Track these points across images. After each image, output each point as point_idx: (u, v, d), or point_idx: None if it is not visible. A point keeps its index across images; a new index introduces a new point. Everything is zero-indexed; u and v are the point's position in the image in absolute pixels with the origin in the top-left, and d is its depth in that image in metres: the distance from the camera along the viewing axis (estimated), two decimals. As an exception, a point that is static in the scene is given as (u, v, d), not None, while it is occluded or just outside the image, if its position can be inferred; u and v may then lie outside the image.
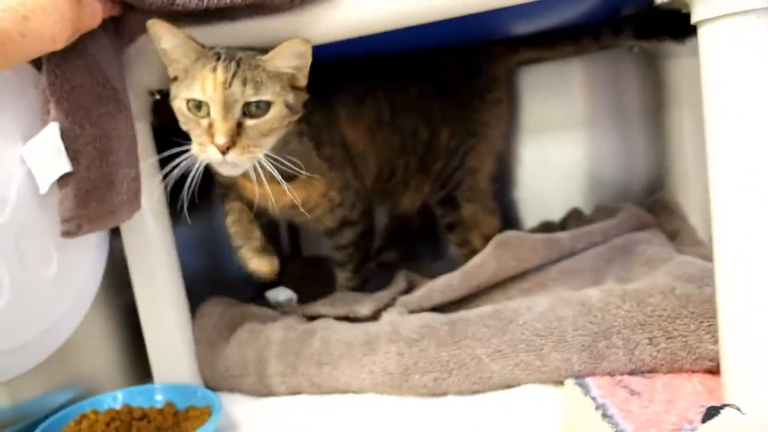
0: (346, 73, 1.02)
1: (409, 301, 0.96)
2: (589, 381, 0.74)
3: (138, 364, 0.97)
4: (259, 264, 0.95)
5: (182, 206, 0.80)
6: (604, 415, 0.66)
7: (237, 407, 0.89)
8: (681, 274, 0.79)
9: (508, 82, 1.19)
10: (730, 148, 0.61)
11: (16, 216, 0.75)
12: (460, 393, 0.81)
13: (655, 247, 0.94)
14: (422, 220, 1.29)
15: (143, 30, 0.78)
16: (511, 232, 0.96)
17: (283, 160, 0.79)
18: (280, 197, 0.85)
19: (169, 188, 0.81)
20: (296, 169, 0.81)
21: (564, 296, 0.82)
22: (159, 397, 0.88)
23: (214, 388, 0.92)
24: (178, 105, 0.78)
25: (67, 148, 0.73)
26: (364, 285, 1.10)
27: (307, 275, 1.23)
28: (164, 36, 0.75)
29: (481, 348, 0.80)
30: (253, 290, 1.12)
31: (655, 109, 1.25)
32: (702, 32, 0.63)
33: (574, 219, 1.22)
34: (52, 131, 0.73)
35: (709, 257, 0.82)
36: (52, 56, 0.71)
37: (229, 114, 0.74)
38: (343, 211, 1.00)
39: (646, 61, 1.25)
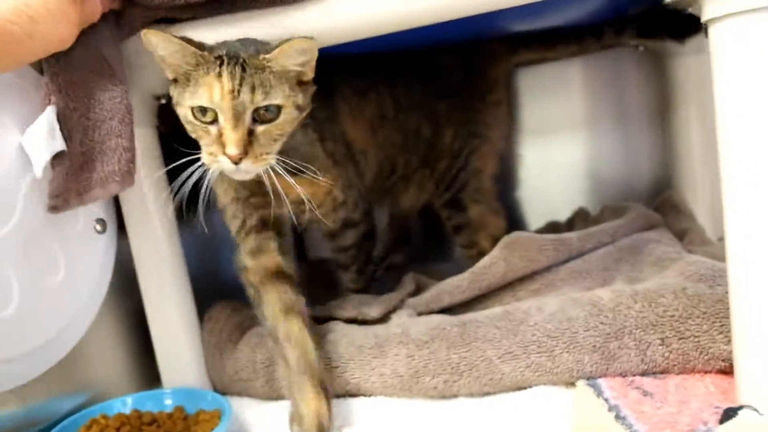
0: (348, 67, 1.01)
1: (417, 303, 0.96)
2: (601, 382, 0.74)
3: (146, 369, 0.97)
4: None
5: (188, 212, 0.80)
6: (618, 417, 0.66)
7: (246, 411, 0.89)
8: (692, 273, 0.79)
9: (507, 83, 1.19)
10: (741, 146, 0.61)
11: (24, 222, 0.75)
12: (471, 395, 0.81)
13: (664, 247, 0.94)
14: (424, 221, 1.29)
15: (144, 24, 0.78)
16: (519, 233, 0.96)
17: (289, 160, 0.77)
18: (289, 190, 0.81)
19: (184, 201, 0.78)
20: (303, 164, 0.79)
21: (574, 297, 0.82)
22: (168, 402, 0.88)
23: (222, 392, 0.92)
24: (184, 113, 0.75)
25: (61, 128, 0.74)
26: (369, 286, 1.09)
27: (312, 278, 1.23)
28: (159, 44, 0.72)
29: (492, 349, 0.79)
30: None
31: (659, 108, 1.25)
32: (712, 30, 0.63)
33: (580, 219, 1.21)
34: (48, 114, 0.73)
35: (718, 257, 0.83)
36: None
37: (239, 123, 0.71)
38: (346, 211, 0.98)
39: (650, 60, 1.25)
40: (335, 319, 0.96)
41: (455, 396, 0.82)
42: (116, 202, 0.91)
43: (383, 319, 0.94)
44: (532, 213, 1.36)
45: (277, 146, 0.76)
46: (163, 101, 0.90)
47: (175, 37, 0.70)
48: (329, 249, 1.07)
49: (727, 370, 0.72)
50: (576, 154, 1.34)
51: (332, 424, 0.78)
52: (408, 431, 0.77)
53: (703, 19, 0.64)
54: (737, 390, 0.66)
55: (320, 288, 1.10)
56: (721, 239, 0.98)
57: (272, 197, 0.80)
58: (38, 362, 0.78)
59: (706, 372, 0.74)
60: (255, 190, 0.86)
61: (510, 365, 0.78)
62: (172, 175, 0.83)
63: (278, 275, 0.87)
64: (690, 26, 0.97)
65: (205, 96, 0.71)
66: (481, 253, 1.05)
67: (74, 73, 0.75)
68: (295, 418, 0.78)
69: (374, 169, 1.06)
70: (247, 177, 0.76)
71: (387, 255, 1.33)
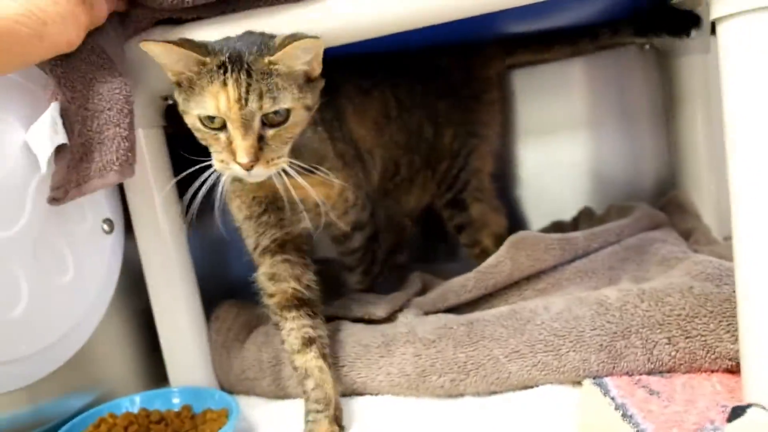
0: (351, 67, 1.00)
1: (424, 302, 0.96)
2: (608, 381, 0.74)
3: (154, 368, 0.98)
4: None
5: (193, 215, 0.80)
6: (624, 416, 0.66)
7: (253, 410, 0.90)
8: (698, 273, 0.79)
9: (500, 84, 1.19)
10: (749, 144, 0.61)
11: (33, 222, 0.76)
12: (478, 394, 0.81)
13: (669, 246, 0.94)
14: (423, 223, 1.29)
15: (149, 24, 0.79)
16: (525, 232, 0.96)
17: (301, 162, 0.76)
18: (304, 194, 0.81)
19: (197, 206, 0.77)
20: (314, 165, 0.78)
21: (581, 296, 0.82)
22: (176, 401, 0.89)
23: (229, 391, 0.93)
24: (192, 122, 0.74)
25: (63, 122, 0.74)
26: (375, 284, 1.10)
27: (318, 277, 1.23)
28: (160, 53, 0.71)
29: (499, 348, 0.80)
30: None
31: (664, 107, 1.25)
32: (720, 29, 0.63)
33: (585, 218, 1.21)
34: (53, 109, 0.73)
35: (723, 256, 0.83)
36: None
37: (248, 131, 0.70)
38: (356, 212, 0.97)
39: (655, 59, 1.25)
40: (342, 318, 0.96)
41: (462, 395, 0.82)
42: (124, 202, 0.92)
43: (390, 318, 0.94)
44: (537, 212, 1.36)
45: (288, 148, 0.75)
46: (171, 102, 0.90)
47: (176, 45, 0.69)
48: (336, 252, 1.06)
49: (734, 369, 0.72)
50: (581, 154, 1.34)
51: None
52: (415, 430, 0.77)
53: (711, 18, 0.64)
54: (744, 389, 0.66)
55: (325, 287, 1.11)
56: (727, 239, 0.98)
57: (288, 208, 0.82)
58: (47, 361, 0.79)
59: (713, 371, 0.74)
60: (268, 205, 0.85)
61: (517, 364, 0.79)
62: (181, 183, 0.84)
63: (296, 301, 0.85)
64: (688, 22, 0.98)
65: (212, 105, 0.70)
66: (485, 251, 1.07)
67: (73, 66, 0.75)
68: None
69: (380, 170, 1.06)
70: (261, 179, 0.76)
71: (388, 256, 1.33)
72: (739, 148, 0.62)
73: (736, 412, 0.58)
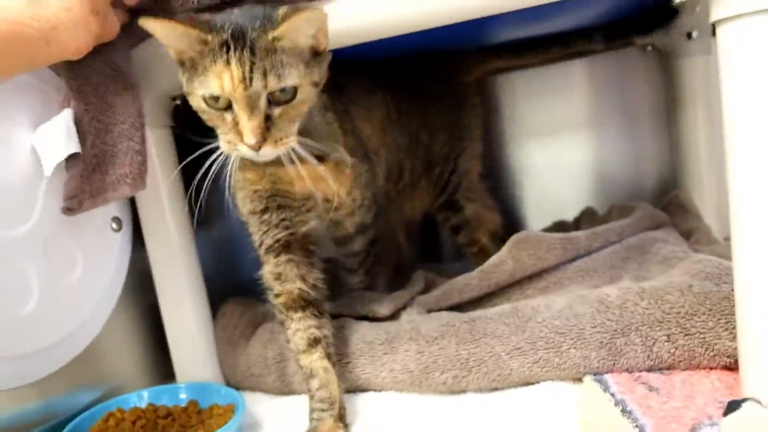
0: (354, 68, 1.00)
1: (427, 300, 0.97)
2: (608, 377, 0.75)
3: (161, 364, 0.99)
4: None
5: (200, 210, 0.80)
6: (624, 411, 0.66)
7: (259, 406, 0.91)
8: (698, 271, 0.80)
9: (479, 89, 1.22)
10: (748, 146, 0.62)
11: (43, 221, 0.77)
12: (480, 390, 0.82)
13: (670, 246, 0.95)
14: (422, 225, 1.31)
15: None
16: (527, 232, 0.97)
17: (311, 140, 0.74)
18: (317, 182, 0.80)
19: (206, 190, 0.76)
20: (324, 145, 0.78)
21: (582, 294, 0.83)
22: (183, 396, 0.90)
23: (235, 387, 0.94)
24: (197, 103, 0.72)
25: (77, 131, 0.75)
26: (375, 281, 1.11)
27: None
28: (160, 31, 0.69)
29: (501, 345, 0.81)
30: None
31: (666, 108, 1.25)
32: (720, 31, 0.63)
33: (588, 218, 1.22)
34: (65, 116, 0.75)
35: (724, 256, 0.83)
36: None
37: (254, 111, 0.68)
38: (362, 214, 0.97)
39: (657, 60, 1.26)
40: (346, 315, 0.97)
41: (464, 391, 0.83)
42: (132, 200, 0.93)
43: (394, 316, 0.95)
44: (539, 212, 1.37)
45: (296, 127, 0.73)
46: (178, 102, 0.91)
47: (175, 22, 0.67)
48: (337, 254, 1.05)
49: (732, 367, 0.73)
50: (583, 154, 1.35)
51: None
52: (418, 426, 0.78)
53: (711, 20, 0.64)
54: (742, 386, 0.66)
55: (331, 285, 1.12)
56: (728, 239, 0.99)
57: (290, 207, 0.82)
58: (57, 357, 0.81)
59: (711, 368, 0.75)
60: (269, 202, 0.84)
61: (518, 361, 0.80)
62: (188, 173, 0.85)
63: (302, 302, 0.85)
64: (655, 21, 1.03)
65: (216, 85, 0.68)
66: (482, 249, 1.10)
67: (87, 78, 0.76)
68: None
69: (384, 172, 1.06)
70: (269, 159, 0.74)
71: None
72: (737, 149, 0.63)
73: (732, 407, 0.59)
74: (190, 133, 0.78)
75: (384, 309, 0.95)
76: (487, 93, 1.36)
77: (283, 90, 0.69)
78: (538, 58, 1.18)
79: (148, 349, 1.00)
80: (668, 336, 0.75)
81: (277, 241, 0.85)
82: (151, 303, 0.96)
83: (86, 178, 0.77)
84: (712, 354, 0.74)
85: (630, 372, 0.76)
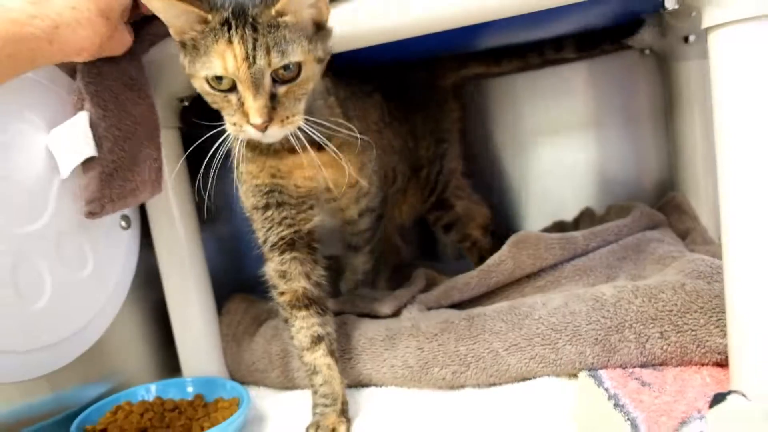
0: (351, 73, 1.01)
1: (428, 299, 0.98)
2: (602, 373, 0.77)
3: (167, 359, 1.01)
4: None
5: (209, 200, 0.79)
6: (616, 405, 0.68)
7: (262, 400, 0.93)
8: (691, 270, 0.81)
9: (459, 93, 1.25)
10: (738, 150, 0.64)
11: (56, 219, 0.79)
12: (478, 385, 0.84)
13: (666, 246, 0.96)
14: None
15: (165, 33, 0.80)
16: (527, 232, 0.99)
17: (317, 120, 0.73)
18: (319, 170, 0.79)
19: (213, 181, 0.74)
20: (336, 121, 0.76)
21: (578, 292, 0.85)
22: (190, 390, 0.92)
23: (239, 382, 0.94)
24: (200, 85, 0.70)
25: (93, 135, 0.77)
26: (378, 270, 1.12)
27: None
28: (160, 9, 0.67)
29: (498, 342, 0.82)
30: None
31: (664, 110, 1.27)
32: (711, 38, 0.65)
33: (586, 218, 1.24)
34: (81, 119, 0.76)
35: (719, 256, 0.84)
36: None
37: (259, 90, 0.66)
38: (368, 200, 0.95)
39: (657, 64, 1.28)
40: (348, 312, 0.99)
41: (463, 386, 0.85)
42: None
43: (395, 313, 0.97)
44: (540, 212, 1.39)
45: (302, 105, 0.71)
46: (186, 103, 0.93)
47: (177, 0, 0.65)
48: (342, 231, 1.03)
49: (723, 363, 0.74)
50: (584, 155, 1.37)
51: None
52: (418, 420, 0.79)
53: (703, 26, 0.65)
54: (732, 381, 0.68)
55: (334, 282, 1.13)
56: (723, 239, 1.01)
57: (291, 204, 0.82)
58: (68, 351, 0.82)
59: (703, 364, 0.76)
60: (269, 198, 0.84)
61: (515, 357, 0.81)
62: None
63: (306, 300, 0.86)
64: (624, 32, 1.08)
65: (219, 65, 0.66)
66: (475, 243, 1.14)
67: (105, 85, 0.78)
68: (313, 428, 0.79)
69: (380, 173, 1.06)
70: (276, 140, 0.73)
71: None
72: (728, 153, 0.65)
73: (717, 399, 0.61)
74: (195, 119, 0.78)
75: (386, 308, 0.97)
76: (490, 95, 1.39)
77: (287, 67, 0.68)
78: (512, 65, 1.22)
79: (156, 344, 1.02)
80: (661, 333, 0.77)
81: (282, 238, 0.85)
82: (159, 299, 0.98)
83: (106, 183, 0.79)
84: (703, 350, 0.76)
85: (624, 368, 0.78)
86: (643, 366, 0.78)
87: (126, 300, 0.92)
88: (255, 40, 0.65)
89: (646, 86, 1.31)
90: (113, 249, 0.90)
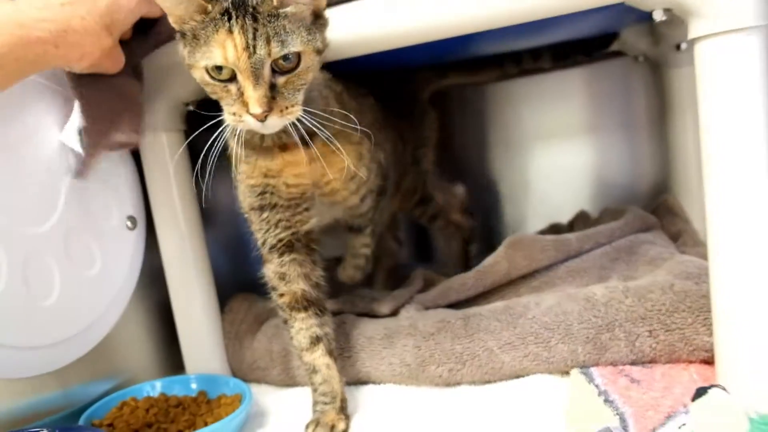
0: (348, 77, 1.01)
1: (425, 299, 1.01)
2: (593, 370, 0.79)
3: (171, 356, 1.03)
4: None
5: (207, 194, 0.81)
6: (606, 400, 0.71)
7: (264, 397, 0.95)
8: (680, 271, 0.84)
9: (435, 102, 1.29)
10: (722, 156, 0.66)
11: (65, 219, 0.81)
12: (473, 383, 0.86)
13: (657, 248, 0.98)
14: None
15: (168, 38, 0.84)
16: (522, 234, 1.02)
17: (315, 111, 0.72)
18: (314, 165, 0.79)
19: (213, 164, 0.73)
20: (335, 113, 0.77)
21: (570, 293, 0.87)
22: (194, 386, 0.94)
23: (242, 379, 0.96)
24: (200, 75, 0.70)
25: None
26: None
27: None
28: None
29: (493, 341, 0.85)
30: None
31: (660, 116, 1.29)
32: (697, 48, 0.67)
33: (581, 220, 1.26)
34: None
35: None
36: None
37: (259, 80, 0.66)
38: (368, 187, 0.92)
39: (651, 70, 1.30)
40: (347, 312, 1.01)
41: (459, 384, 0.87)
42: (146, 201, 0.97)
43: (393, 313, 0.99)
44: (538, 214, 1.41)
45: (301, 96, 0.71)
46: (191, 108, 0.96)
47: None
48: (343, 217, 0.99)
49: (710, 360, 0.76)
50: (581, 159, 1.39)
51: None
52: (415, 416, 0.81)
53: (689, 37, 0.67)
54: (717, 378, 0.70)
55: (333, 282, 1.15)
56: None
57: (285, 207, 0.83)
58: (75, 348, 0.84)
59: (690, 362, 0.79)
60: (263, 199, 0.83)
61: (509, 355, 0.84)
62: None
63: (305, 302, 0.86)
64: (597, 44, 1.17)
65: (219, 55, 0.66)
66: (459, 226, 1.23)
67: (96, 99, 0.81)
68: (313, 425, 0.81)
69: (378, 159, 1.04)
70: (275, 130, 0.73)
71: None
72: (713, 159, 0.67)
73: (699, 393, 0.63)
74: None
75: (384, 308, 1.00)
76: (490, 100, 1.42)
77: (286, 57, 0.68)
78: (491, 74, 1.28)
79: (160, 342, 1.05)
80: (650, 332, 0.79)
81: (280, 240, 0.85)
82: (163, 298, 1.00)
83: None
84: (691, 348, 0.78)
85: (615, 365, 0.80)
86: (633, 363, 0.80)
87: (131, 299, 0.93)
88: (255, 30, 0.65)
89: (641, 92, 1.34)
90: (120, 249, 0.92)
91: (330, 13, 0.74)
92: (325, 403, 0.83)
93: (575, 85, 1.37)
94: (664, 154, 1.27)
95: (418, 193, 1.22)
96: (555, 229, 1.29)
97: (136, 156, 0.96)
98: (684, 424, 0.63)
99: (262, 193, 0.83)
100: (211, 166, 0.73)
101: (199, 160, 0.74)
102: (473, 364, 0.85)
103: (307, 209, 0.85)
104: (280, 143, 0.78)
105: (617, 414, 0.68)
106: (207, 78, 0.69)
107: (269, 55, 0.66)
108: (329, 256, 1.35)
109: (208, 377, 0.95)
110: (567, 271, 0.99)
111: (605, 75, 1.34)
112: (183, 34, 0.71)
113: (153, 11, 0.82)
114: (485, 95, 1.41)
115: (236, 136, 0.73)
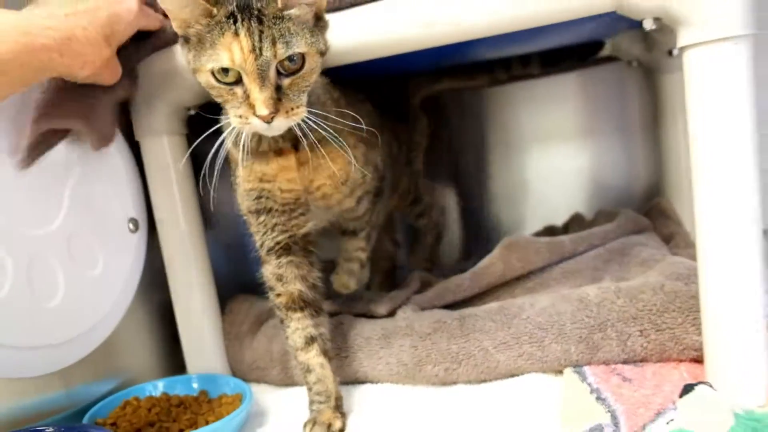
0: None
1: (422, 300, 1.02)
2: (586, 369, 0.81)
3: (173, 356, 1.05)
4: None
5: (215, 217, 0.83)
6: (598, 398, 0.73)
7: (263, 396, 0.96)
8: (671, 272, 0.86)
9: (426, 107, 1.31)
10: (709, 160, 0.68)
11: (68, 221, 0.83)
12: (469, 382, 0.88)
13: (650, 250, 1.00)
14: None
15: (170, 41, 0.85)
16: (517, 236, 1.03)
17: (318, 112, 0.73)
18: (332, 156, 0.79)
19: (218, 171, 0.75)
20: (330, 116, 0.77)
21: (564, 293, 0.89)
22: (195, 386, 0.96)
23: (242, 379, 0.97)
24: (205, 79, 0.70)
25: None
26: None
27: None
28: (166, 1, 0.69)
29: (488, 340, 0.86)
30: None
31: (653, 120, 1.31)
32: (686, 56, 0.68)
33: (576, 223, 1.28)
34: None
35: (699, 259, 0.89)
36: None
37: (265, 82, 0.67)
38: (364, 189, 0.91)
39: (645, 75, 1.32)
40: (345, 313, 1.02)
41: (455, 383, 0.88)
42: (148, 204, 0.99)
43: (390, 313, 1.01)
44: (534, 216, 1.43)
45: (305, 97, 0.72)
46: (192, 112, 0.97)
47: None
48: (338, 220, 0.97)
49: (700, 359, 0.78)
50: (577, 162, 1.41)
51: None
52: (411, 415, 0.83)
53: (678, 45, 0.69)
54: (707, 376, 0.72)
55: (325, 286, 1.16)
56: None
57: (281, 211, 0.84)
58: (78, 348, 0.85)
59: (680, 360, 0.80)
60: (259, 203, 0.84)
61: (504, 354, 0.85)
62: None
63: (301, 303, 0.87)
64: (585, 52, 1.22)
65: (226, 57, 0.67)
66: (437, 224, 1.31)
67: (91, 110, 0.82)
68: (310, 424, 0.82)
69: (378, 158, 1.05)
70: (281, 132, 0.74)
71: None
72: (701, 163, 0.69)
73: (687, 389, 0.65)
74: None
75: (382, 309, 1.01)
76: (488, 104, 1.43)
77: (291, 59, 0.68)
78: (481, 80, 1.31)
79: (162, 342, 1.06)
80: (641, 331, 0.81)
81: (278, 243, 0.86)
82: (165, 300, 1.02)
83: None
84: (681, 347, 0.80)
85: (607, 364, 0.82)
86: (624, 362, 0.82)
87: (134, 300, 0.95)
88: (261, 32, 0.66)
89: (635, 97, 1.35)
90: (122, 251, 0.93)
91: (330, 18, 0.76)
92: (321, 402, 0.84)
93: (571, 89, 1.39)
94: (658, 157, 1.29)
95: (412, 193, 1.26)
96: (550, 231, 1.30)
97: (138, 159, 0.98)
98: (672, 420, 0.65)
99: (258, 197, 0.84)
100: (218, 170, 0.74)
101: (206, 164, 0.76)
102: (469, 363, 0.87)
103: (303, 214, 0.86)
104: (276, 148, 0.80)
105: (609, 411, 0.70)
106: (213, 81, 0.70)
107: (275, 56, 0.67)
108: (327, 258, 1.36)
109: (209, 377, 0.97)
110: (561, 272, 1.01)
111: (600, 79, 1.36)
112: (187, 39, 0.71)
113: (151, 24, 0.84)
114: (483, 99, 1.43)
115: (236, 140, 0.74)
